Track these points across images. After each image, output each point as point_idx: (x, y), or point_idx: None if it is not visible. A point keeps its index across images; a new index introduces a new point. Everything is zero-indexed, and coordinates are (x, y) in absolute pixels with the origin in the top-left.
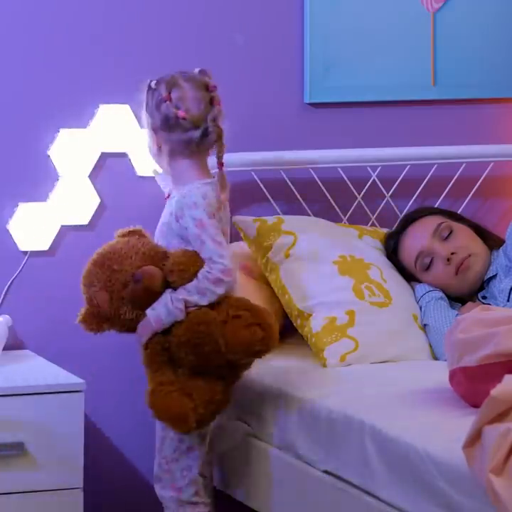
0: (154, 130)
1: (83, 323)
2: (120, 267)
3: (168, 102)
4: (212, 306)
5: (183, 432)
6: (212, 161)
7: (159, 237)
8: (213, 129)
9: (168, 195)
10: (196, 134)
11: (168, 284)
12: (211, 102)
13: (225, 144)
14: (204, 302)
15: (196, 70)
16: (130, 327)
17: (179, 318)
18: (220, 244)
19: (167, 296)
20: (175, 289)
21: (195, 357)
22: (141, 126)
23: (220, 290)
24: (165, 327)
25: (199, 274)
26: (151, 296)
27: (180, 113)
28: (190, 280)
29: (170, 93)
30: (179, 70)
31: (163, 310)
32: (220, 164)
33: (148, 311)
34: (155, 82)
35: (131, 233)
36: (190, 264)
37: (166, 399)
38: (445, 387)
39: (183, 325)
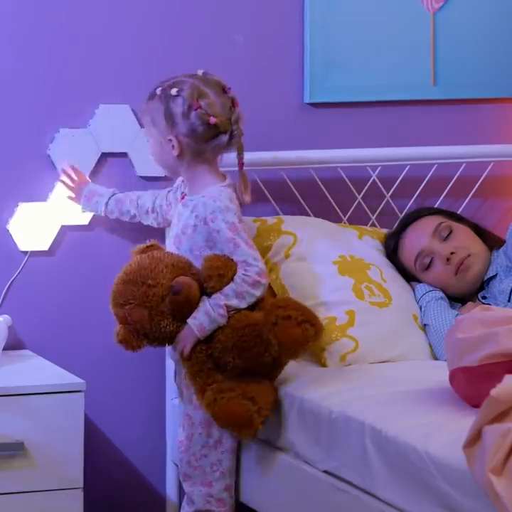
0: (175, 136)
1: (124, 343)
2: (155, 281)
3: (197, 110)
4: (251, 308)
5: (249, 436)
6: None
7: (183, 240)
8: (237, 131)
9: (183, 197)
10: (225, 138)
11: (202, 291)
12: (233, 104)
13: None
14: (243, 305)
15: (200, 72)
16: (170, 339)
17: (222, 323)
18: (253, 247)
19: (206, 303)
20: (209, 294)
21: (242, 360)
22: (149, 133)
23: (258, 292)
24: (207, 334)
25: (236, 278)
26: (191, 305)
27: (212, 120)
28: (227, 284)
29: (198, 100)
30: (185, 73)
31: (205, 318)
32: (241, 165)
33: (190, 321)
34: (176, 89)
35: (148, 248)
36: (227, 269)
37: (229, 406)
38: (445, 387)
39: (225, 330)
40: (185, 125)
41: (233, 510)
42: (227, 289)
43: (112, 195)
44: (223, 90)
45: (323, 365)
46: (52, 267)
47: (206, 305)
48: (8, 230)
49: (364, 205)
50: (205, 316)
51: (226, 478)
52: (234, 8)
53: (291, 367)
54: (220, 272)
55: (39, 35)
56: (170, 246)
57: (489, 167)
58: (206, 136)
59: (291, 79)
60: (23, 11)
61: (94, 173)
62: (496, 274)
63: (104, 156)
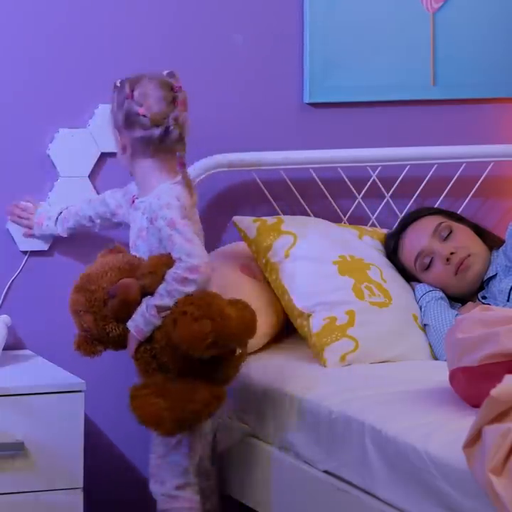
0: (118, 129)
1: (79, 350)
2: (96, 286)
3: (129, 99)
4: None
5: (164, 433)
6: (208, 161)
7: (139, 243)
8: (175, 128)
9: (134, 200)
10: (156, 132)
11: (147, 292)
12: (174, 102)
13: (186, 144)
14: None
15: (164, 73)
16: (121, 343)
17: (157, 324)
18: (191, 242)
19: (143, 304)
20: (152, 294)
21: (174, 359)
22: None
23: (189, 289)
24: (147, 335)
25: (167, 276)
26: (130, 307)
27: (141, 110)
28: (161, 282)
29: (132, 91)
30: (149, 72)
31: (141, 319)
32: (182, 164)
33: (129, 323)
34: (120, 80)
35: (111, 252)
36: (159, 266)
37: (141, 402)
38: (445, 387)
39: (161, 330)
40: (121, 115)
41: (200, 505)
42: (160, 288)
43: (59, 214)
44: (171, 88)
45: (323, 365)
46: (52, 267)
47: (142, 306)
48: (8, 230)
49: (364, 205)
50: (141, 318)
51: (180, 478)
52: (233, 8)
53: (292, 367)
54: (150, 270)
55: (39, 35)
56: (131, 249)
57: (489, 167)
58: (135, 126)
59: (291, 79)
60: (22, 11)
61: (93, 173)
62: (496, 274)
63: (104, 155)
